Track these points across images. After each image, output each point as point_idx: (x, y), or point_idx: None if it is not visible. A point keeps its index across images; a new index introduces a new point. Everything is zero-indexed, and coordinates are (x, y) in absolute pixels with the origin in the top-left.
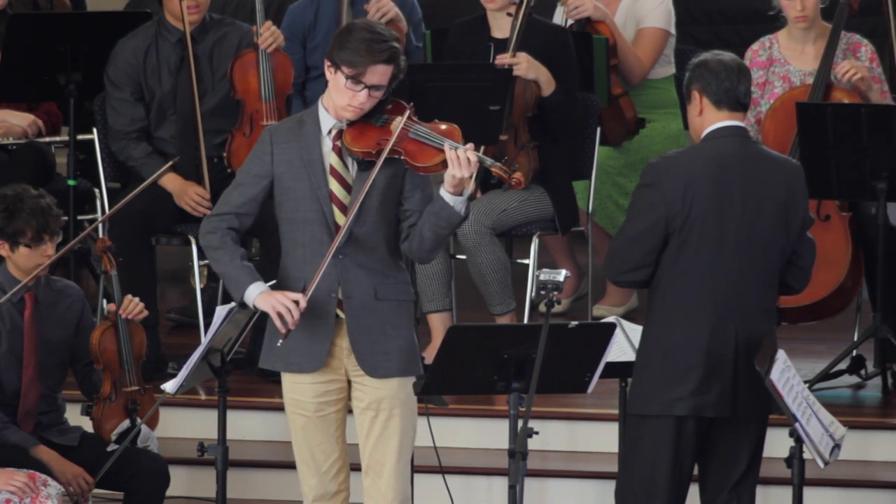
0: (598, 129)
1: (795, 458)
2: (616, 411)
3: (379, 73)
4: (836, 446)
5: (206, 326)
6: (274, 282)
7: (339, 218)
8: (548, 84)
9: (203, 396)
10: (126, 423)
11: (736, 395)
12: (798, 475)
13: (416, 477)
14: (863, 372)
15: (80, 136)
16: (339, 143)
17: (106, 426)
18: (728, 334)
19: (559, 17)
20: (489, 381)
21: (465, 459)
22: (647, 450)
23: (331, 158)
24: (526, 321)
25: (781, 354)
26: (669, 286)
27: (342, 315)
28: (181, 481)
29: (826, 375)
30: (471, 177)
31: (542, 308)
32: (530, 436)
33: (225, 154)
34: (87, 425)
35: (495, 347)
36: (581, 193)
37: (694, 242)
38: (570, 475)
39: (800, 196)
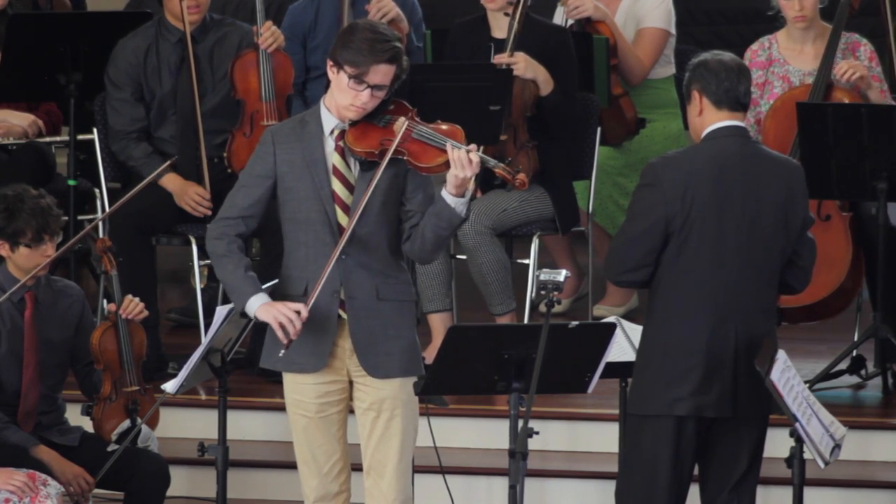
0: (599, 130)
1: (796, 458)
2: (616, 411)
3: (381, 73)
4: (837, 446)
5: (207, 326)
6: (276, 281)
7: (342, 218)
8: (546, 83)
9: (203, 396)
10: (126, 424)
11: (736, 395)
12: (798, 475)
13: (417, 477)
14: (863, 372)
15: (80, 136)
16: (341, 143)
17: (106, 426)
18: (728, 334)
19: (559, 17)
20: (489, 381)
21: (465, 459)
22: (647, 450)
23: (333, 159)
24: (526, 321)
25: (782, 354)
26: (669, 286)
27: (344, 315)
28: (181, 481)
29: (826, 375)
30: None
31: (543, 308)
32: (530, 436)
33: (225, 154)
34: (88, 425)
35: (495, 347)
36: (581, 193)
37: (694, 242)
38: (570, 475)
39: (800, 196)
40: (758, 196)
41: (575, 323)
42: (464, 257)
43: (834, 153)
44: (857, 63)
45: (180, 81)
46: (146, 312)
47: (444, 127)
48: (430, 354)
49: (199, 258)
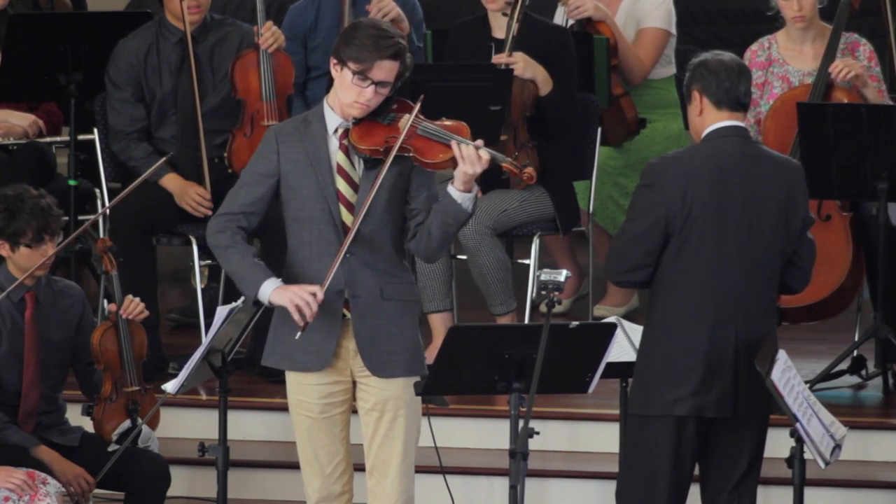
0: (599, 130)
1: (796, 459)
2: (617, 411)
3: (385, 69)
4: (837, 446)
5: (207, 327)
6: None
7: (346, 217)
8: (545, 83)
9: (204, 397)
10: (127, 424)
11: (736, 395)
12: (799, 475)
13: (417, 477)
14: (863, 372)
15: (80, 137)
16: (345, 141)
17: (107, 426)
18: (728, 334)
19: (560, 17)
20: (490, 381)
21: (465, 460)
22: (647, 450)
23: (337, 157)
24: (527, 321)
25: (782, 354)
26: (670, 286)
27: (348, 314)
28: (182, 481)
29: (827, 376)
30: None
31: (543, 308)
32: (531, 436)
33: (226, 154)
34: (88, 425)
35: (496, 347)
36: (582, 194)
37: (694, 242)
38: (570, 475)
39: (800, 196)
40: (758, 196)
41: (575, 323)
42: (464, 257)
43: (834, 153)
44: (853, 62)
45: (181, 81)
46: (146, 312)
47: (448, 123)
48: (430, 354)
49: (200, 258)
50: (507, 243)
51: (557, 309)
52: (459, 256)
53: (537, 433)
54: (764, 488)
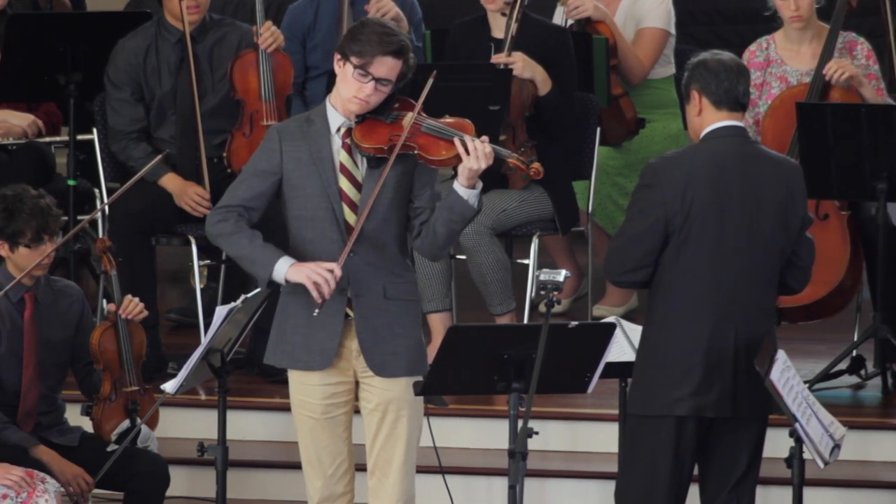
0: (598, 130)
1: (795, 459)
2: (616, 411)
3: (387, 66)
4: (836, 446)
5: (206, 326)
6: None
7: (349, 216)
8: (544, 83)
9: (203, 397)
10: (126, 424)
11: (736, 395)
12: (798, 475)
13: (417, 477)
14: (863, 372)
15: (80, 137)
16: (348, 140)
17: (106, 426)
18: (728, 334)
19: (559, 17)
20: (489, 381)
21: (465, 460)
22: (647, 450)
23: (340, 156)
24: (526, 321)
25: (781, 354)
26: (669, 286)
27: (351, 314)
28: (181, 481)
29: (826, 375)
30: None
31: (542, 308)
32: (530, 436)
33: (225, 154)
34: (87, 425)
35: (495, 347)
36: (581, 193)
37: (694, 243)
38: (569, 475)
39: (799, 196)
40: (757, 196)
41: (574, 323)
42: (464, 257)
43: (833, 153)
44: (846, 63)
45: (180, 81)
46: (146, 312)
47: (451, 120)
48: (429, 354)
49: (199, 258)
50: (507, 243)
51: (556, 309)
52: (459, 256)
53: (536, 433)
54: (763, 488)
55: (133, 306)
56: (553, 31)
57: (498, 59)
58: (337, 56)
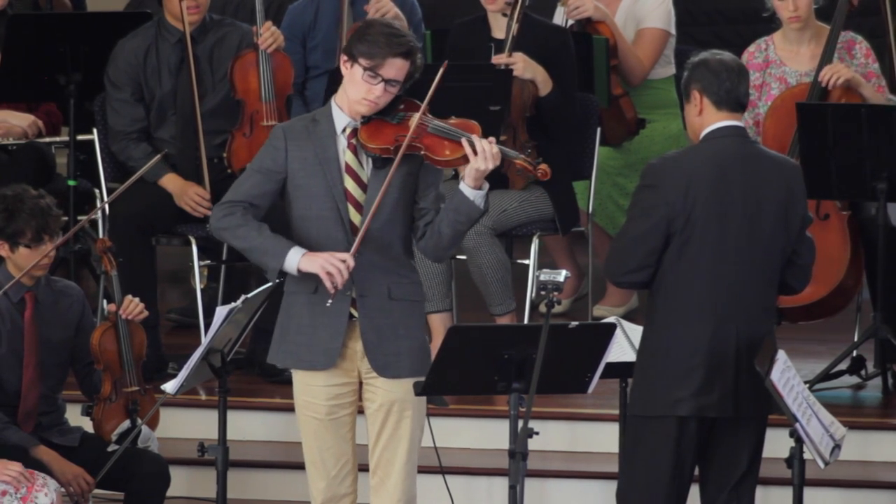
0: (599, 130)
1: (796, 459)
2: (616, 412)
3: (396, 67)
4: (837, 446)
5: (207, 327)
6: (276, 282)
7: (355, 216)
8: (545, 84)
9: (203, 397)
10: (126, 424)
11: (738, 395)
12: (798, 475)
13: (417, 477)
14: (863, 372)
15: (80, 137)
16: (353, 141)
17: (106, 426)
18: (730, 334)
19: (559, 18)
20: (489, 381)
21: (465, 460)
22: (649, 450)
23: (346, 157)
24: (526, 321)
25: (782, 355)
26: (671, 286)
27: (355, 314)
28: (181, 482)
29: (826, 376)
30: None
31: (543, 308)
32: (530, 436)
33: (225, 154)
34: (88, 426)
35: (495, 348)
36: (581, 194)
37: (696, 243)
38: (570, 475)
39: (799, 195)
40: (758, 196)
41: (575, 323)
42: (464, 257)
43: (833, 153)
44: (841, 67)
45: (180, 82)
46: (146, 313)
47: (457, 121)
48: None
49: (200, 258)
50: (507, 243)
51: (557, 309)
52: (459, 257)
53: (537, 433)
54: (763, 488)
55: (133, 306)
56: (554, 32)
57: (499, 59)
58: (344, 57)
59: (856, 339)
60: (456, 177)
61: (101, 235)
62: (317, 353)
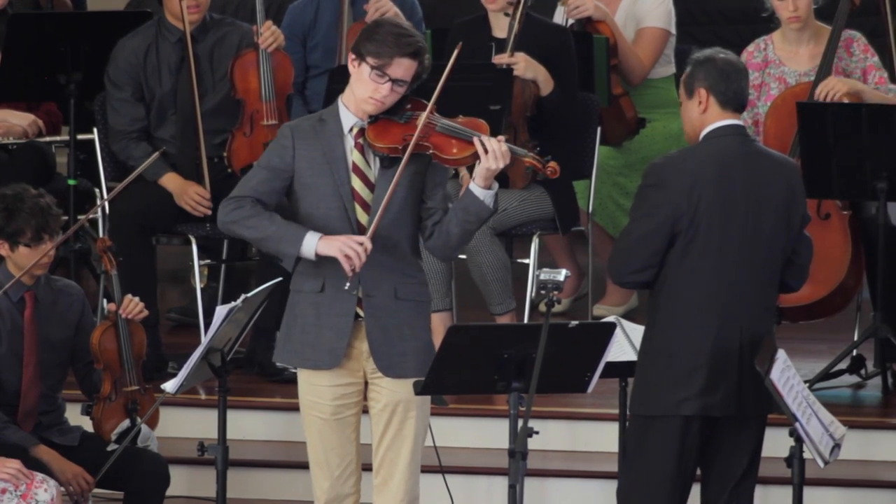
0: (599, 129)
1: (795, 458)
2: (616, 411)
3: (404, 67)
4: (836, 446)
5: (207, 326)
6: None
7: (362, 216)
8: (546, 84)
9: (203, 396)
10: (126, 423)
11: (741, 394)
12: (798, 475)
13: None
14: (863, 371)
15: (80, 136)
16: (361, 140)
17: (106, 426)
18: (733, 334)
19: (560, 17)
20: (489, 380)
21: (465, 459)
22: (653, 450)
23: (353, 156)
24: (526, 321)
25: (781, 354)
26: (675, 286)
27: (361, 314)
28: (181, 481)
29: (826, 375)
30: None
31: (543, 308)
32: (530, 435)
33: (225, 154)
34: (88, 425)
35: (495, 347)
36: (581, 193)
37: (700, 242)
38: (570, 475)
39: (799, 194)
40: (760, 195)
41: (575, 322)
42: (464, 257)
43: (834, 153)
44: (835, 82)
45: (180, 81)
46: (146, 312)
47: (463, 120)
48: None
49: (200, 258)
50: (507, 243)
51: (557, 308)
52: (459, 256)
53: (536, 433)
54: (763, 488)
55: (133, 306)
56: (555, 32)
57: (500, 59)
58: (352, 56)
59: (856, 338)
60: (455, 176)
61: (101, 234)
62: (322, 352)
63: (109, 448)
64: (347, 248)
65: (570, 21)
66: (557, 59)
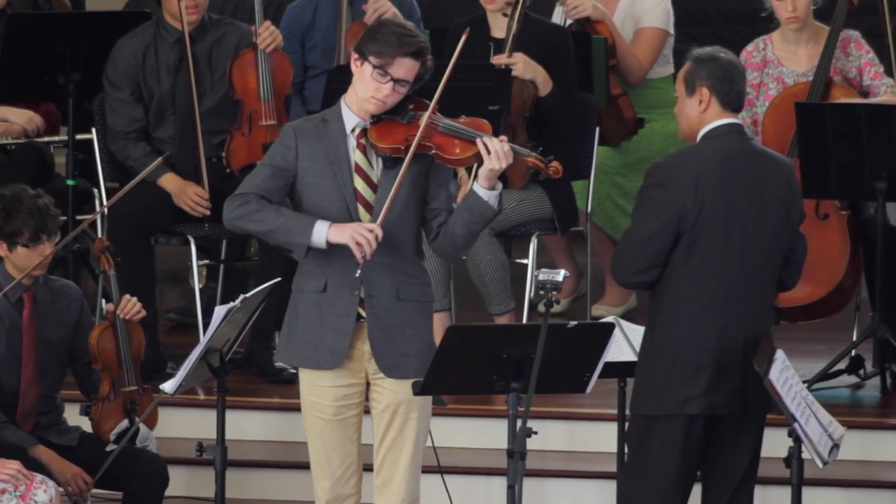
0: (597, 129)
1: (794, 458)
2: (615, 411)
3: (406, 67)
4: (835, 446)
5: (205, 326)
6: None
7: (364, 216)
8: (545, 84)
9: (202, 396)
10: (125, 423)
11: (745, 393)
12: (797, 475)
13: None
14: (862, 372)
15: (78, 136)
16: (363, 140)
17: (104, 426)
18: (737, 332)
19: (558, 17)
20: (488, 380)
21: (464, 459)
22: (656, 450)
23: (356, 156)
24: (525, 321)
25: (780, 354)
26: (678, 285)
27: (363, 315)
28: (180, 481)
29: (825, 375)
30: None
31: (541, 308)
32: (529, 436)
33: (224, 154)
34: (86, 425)
35: (494, 347)
36: (580, 193)
37: (704, 241)
38: (568, 475)
39: (797, 192)
40: (760, 194)
41: (574, 323)
42: (463, 257)
43: (833, 153)
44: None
45: (179, 81)
46: (144, 312)
47: (465, 120)
48: None
49: (198, 258)
50: (506, 243)
51: (555, 309)
52: None
53: (535, 433)
54: (762, 488)
55: (131, 306)
56: (553, 32)
57: (499, 59)
58: (354, 56)
59: (854, 338)
60: (454, 176)
61: (99, 235)
62: (323, 352)
63: (108, 448)
64: (359, 236)
65: (569, 21)
66: (556, 60)
